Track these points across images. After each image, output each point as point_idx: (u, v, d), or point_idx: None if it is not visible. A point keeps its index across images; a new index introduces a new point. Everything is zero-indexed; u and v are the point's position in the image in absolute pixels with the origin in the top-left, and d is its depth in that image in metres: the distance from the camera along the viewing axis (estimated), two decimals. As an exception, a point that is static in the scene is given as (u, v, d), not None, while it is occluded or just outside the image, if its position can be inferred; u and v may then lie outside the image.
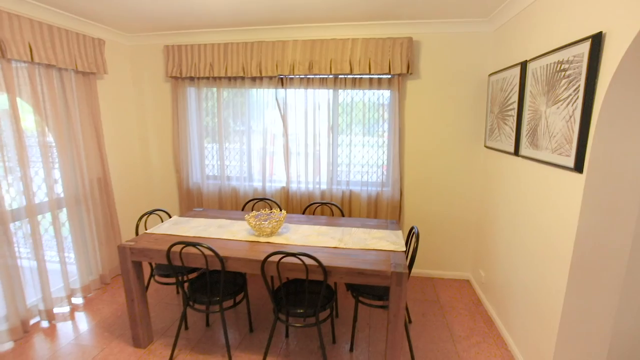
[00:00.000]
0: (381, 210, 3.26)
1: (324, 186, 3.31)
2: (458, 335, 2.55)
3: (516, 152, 2.35)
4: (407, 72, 2.93)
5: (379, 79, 3.06)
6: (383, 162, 3.24)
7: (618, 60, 1.41)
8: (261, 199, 3.14)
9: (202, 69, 3.22)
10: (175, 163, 3.58)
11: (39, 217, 2.60)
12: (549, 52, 1.92)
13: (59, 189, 2.78)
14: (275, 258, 1.96)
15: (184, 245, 1.99)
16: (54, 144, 2.71)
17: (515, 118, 2.36)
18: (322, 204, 3.05)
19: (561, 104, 1.80)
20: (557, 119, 1.83)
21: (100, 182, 3.13)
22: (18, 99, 2.41)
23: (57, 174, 2.76)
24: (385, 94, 3.13)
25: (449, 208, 3.28)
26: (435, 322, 2.72)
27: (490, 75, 2.89)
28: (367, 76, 3.06)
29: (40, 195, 2.69)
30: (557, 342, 1.82)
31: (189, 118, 3.43)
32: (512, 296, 2.39)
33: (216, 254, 1.95)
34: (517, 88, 2.32)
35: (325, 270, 1.84)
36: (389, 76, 3.05)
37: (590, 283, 1.72)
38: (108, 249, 3.25)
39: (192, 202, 3.58)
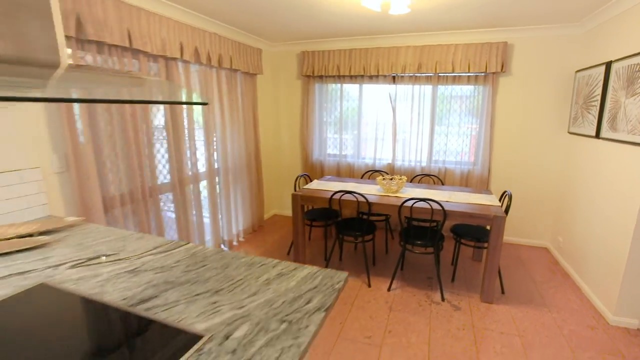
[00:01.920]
0: (471, 184, 3.97)
1: (423, 164, 4.11)
2: (538, 281, 3.22)
3: (597, 135, 2.93)
4: (501, 70, 3.58)
5: (476, 76, 3.75)
6: (474, 145, 3.93)
7: (680, 66, 2.02)
8: (375, 171, 4.04)
9: (331, 69, 4.17)
10: (302, 142, 4.63)
11: (217, 179, 3.78)
12: (631, 55, 2.51)
13: (235, 160, 3.94)
14: (409, 203, 2.83)
15: (343, 193, 2.95)
16: (232, 127, 3.84)
17: (597, 108, 2.93)
18: (425, 175, 3.86)
19: (638, 96, 2.39)
20: (634, 108, 2.43)
21: (255, 155, 4.27)
22: (194, 94, 3.55)
23: (236, 148, 3.91)
24: (479, 89, 3.81)
25: (531, 184, 3.88)
26: (517, 272, 3.40)
27: (577, 71, 3.43)
28: (465, 74, 3.77)
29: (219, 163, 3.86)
30: (621, 284, 2.47)
31: (315, 107, 4.43)
32: (587, 254, 3.00)
33: (367, 200, 2.87)
34: (601, 83, 2.90)
35: (445, 212, 2.67)
36: (484, 74, 3.72)
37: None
38: (255, 204, 4.39)
39: (315, 173, 4.60)
